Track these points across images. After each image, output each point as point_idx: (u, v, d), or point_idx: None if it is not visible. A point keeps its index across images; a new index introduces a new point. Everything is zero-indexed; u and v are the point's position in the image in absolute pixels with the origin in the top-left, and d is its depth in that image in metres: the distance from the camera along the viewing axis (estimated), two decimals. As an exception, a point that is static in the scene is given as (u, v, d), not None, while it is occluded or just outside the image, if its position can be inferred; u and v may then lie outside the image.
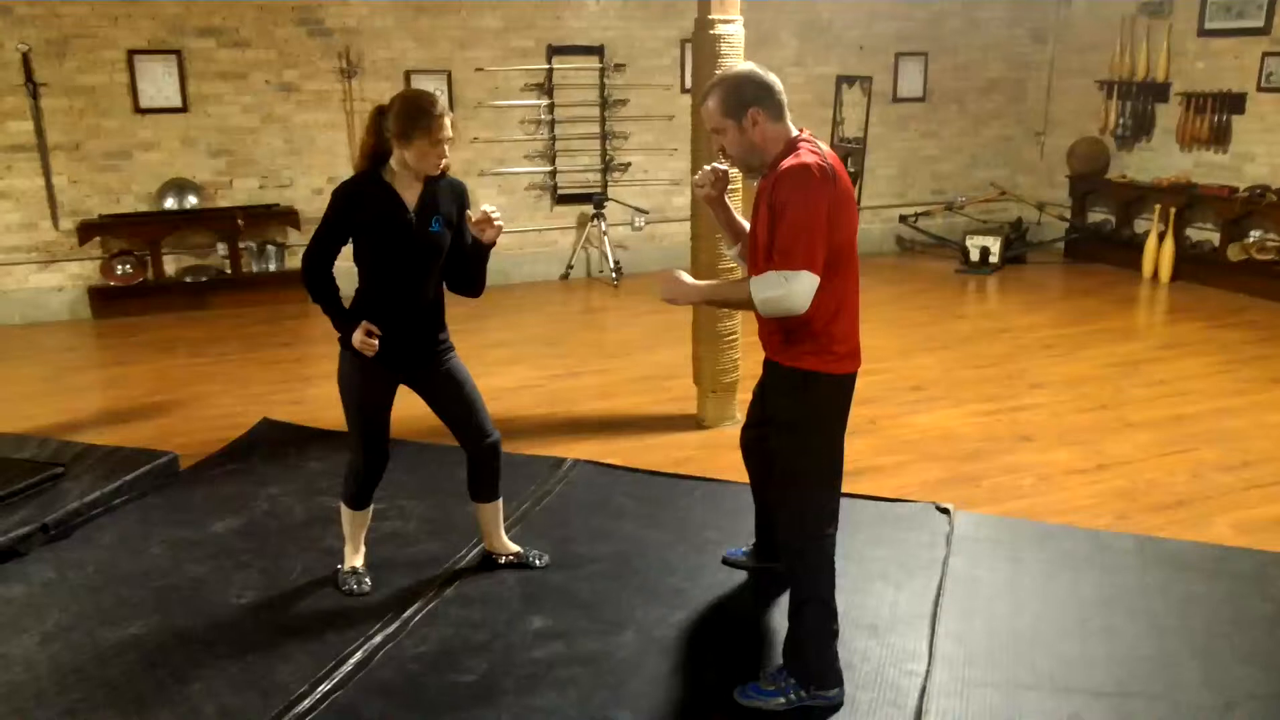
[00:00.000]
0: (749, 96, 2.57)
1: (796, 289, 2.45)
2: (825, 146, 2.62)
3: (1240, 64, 7.74)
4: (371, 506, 3.46)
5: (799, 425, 2.69)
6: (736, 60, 4.35)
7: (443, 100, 3.03)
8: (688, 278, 2.73)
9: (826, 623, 2.77)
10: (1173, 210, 7.94)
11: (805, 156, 2.51)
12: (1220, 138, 7.89)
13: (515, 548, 3.56)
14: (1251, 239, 7.54)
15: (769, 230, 2.54)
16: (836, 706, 2.76)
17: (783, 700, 2.75)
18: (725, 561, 3.54)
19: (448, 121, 2.97)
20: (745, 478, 3.37)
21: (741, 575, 3.47)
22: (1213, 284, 7.72)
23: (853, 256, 2.63)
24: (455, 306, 3.27)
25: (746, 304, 2.56)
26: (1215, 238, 7.88)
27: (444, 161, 3.03)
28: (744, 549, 3.54)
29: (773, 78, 2.62)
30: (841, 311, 2.62)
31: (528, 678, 2.90)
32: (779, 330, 2.66)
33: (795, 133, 2.62)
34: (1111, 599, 3.30)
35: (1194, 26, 8.06)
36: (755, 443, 3.13)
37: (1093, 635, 3.10)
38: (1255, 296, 7.39)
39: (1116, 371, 5.72)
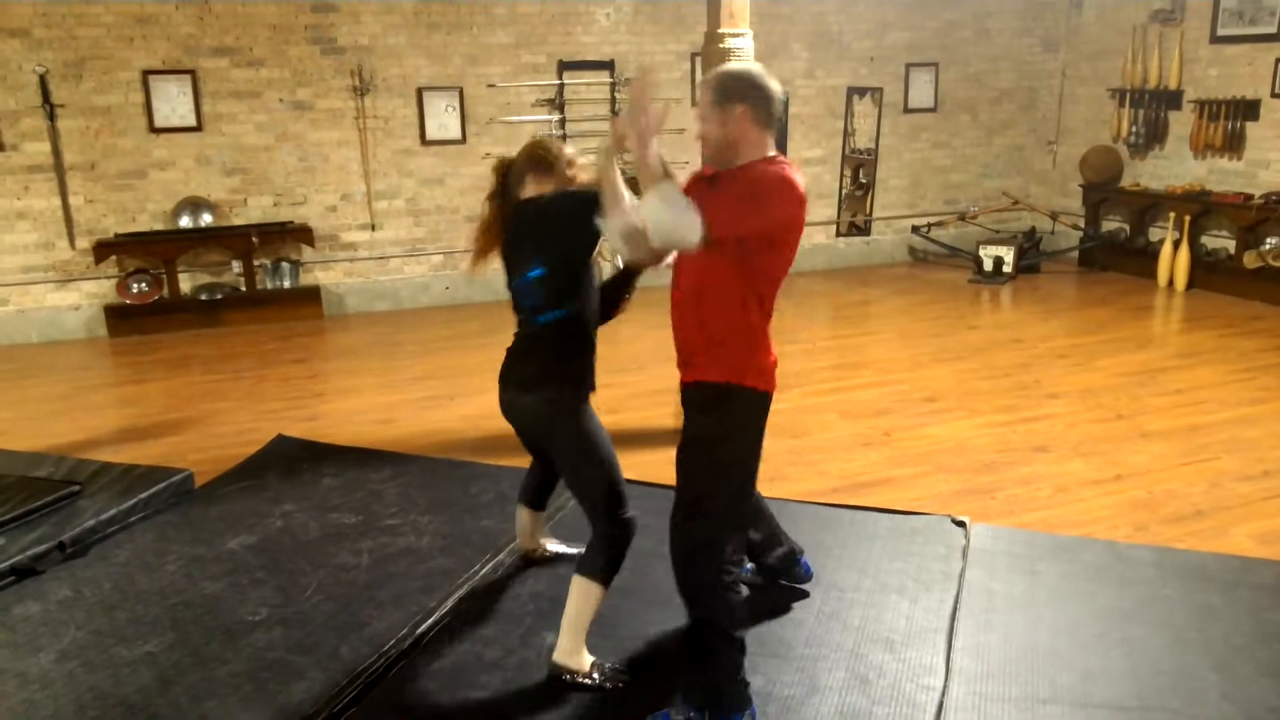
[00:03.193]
0: (742, 93, 2.51)
1: (694, 219, 2.43)
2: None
3: (1253, 70, 7.71)
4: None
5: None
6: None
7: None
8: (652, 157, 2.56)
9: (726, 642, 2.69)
10: (1187, 218, 7.91)
11: (794, 174, 2.52)
12: (1234, 145, 7.86)
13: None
14: (1267, 246, 7.49)
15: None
16: None
17: None
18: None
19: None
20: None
21: (753, 590, 3.44)
22: (1228, 292, 7.68)
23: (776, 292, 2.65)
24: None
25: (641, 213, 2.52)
26: (1230, 245, 7.84)
27: None
28: (749, 567, 3.44)
29: (776, 87, 2.55)
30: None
31: (542, 694, 2.89)
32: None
33: (773, 154, 2.58)
34: (1130, 612, 3.27)
35: (1206, 33, 8.03)
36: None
37: (1112, 649, 3.07)
38: (1271, 304, 7.34)
39: (1132, 381, 5.68)
